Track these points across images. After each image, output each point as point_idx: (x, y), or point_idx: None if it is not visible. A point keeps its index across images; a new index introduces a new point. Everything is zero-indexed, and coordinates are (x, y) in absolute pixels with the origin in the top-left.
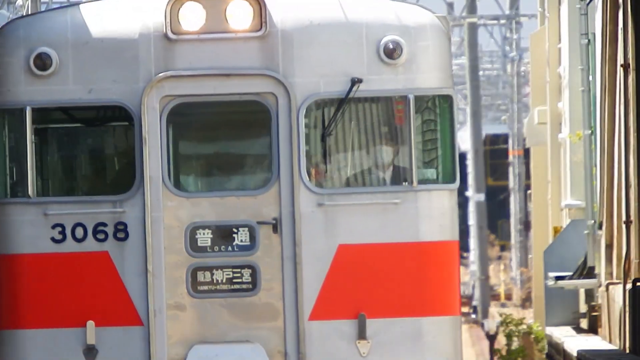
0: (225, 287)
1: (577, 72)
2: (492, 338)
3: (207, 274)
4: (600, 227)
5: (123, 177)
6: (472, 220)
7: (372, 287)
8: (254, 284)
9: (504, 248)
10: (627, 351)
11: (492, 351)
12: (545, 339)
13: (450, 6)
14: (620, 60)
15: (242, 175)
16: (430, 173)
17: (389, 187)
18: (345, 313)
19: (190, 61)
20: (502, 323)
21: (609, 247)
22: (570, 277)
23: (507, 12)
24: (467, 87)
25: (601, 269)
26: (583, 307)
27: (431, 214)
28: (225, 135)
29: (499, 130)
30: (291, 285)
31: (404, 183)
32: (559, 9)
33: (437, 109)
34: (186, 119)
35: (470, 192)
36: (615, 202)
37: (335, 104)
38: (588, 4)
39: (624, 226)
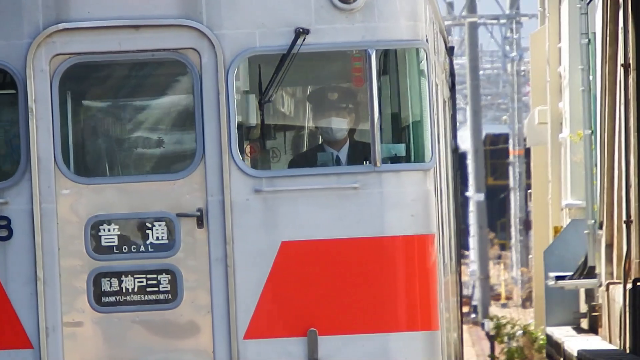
0: (137, 298)
1: (577, 72)
2: (492, 338)
3: (114, 281)
4: (600, 227)
5: (5, 160)
6: (472, 220)
7: (326, 296)
8: (173, 294)
9: (504, 248)
10: (628, 351)
11: (493, 350)
12: (541, 339)
13: (450, 6)
14: (620, 60)
15: (158, 155)
16: (398, 149)
17: (345, 168)
18: (291, 329)
19: (89, 10)
20: (496, 326)
21: (609, 247)
22: (571, 277)
23: (508, 11)
24: (467, 87)
25: (601, 268)
26: (583, 307)
27: (400, 201)
28: (134, 105)
29: (499, 130)
30: (221, 294)
31: (364, 163)
32: (559, 9)
33: (406, 67)
34: (85, 84)
35: (470, 192)
36: (616, 202)
37: (275, 62)
38: (588, 4)
39: (624, 226)
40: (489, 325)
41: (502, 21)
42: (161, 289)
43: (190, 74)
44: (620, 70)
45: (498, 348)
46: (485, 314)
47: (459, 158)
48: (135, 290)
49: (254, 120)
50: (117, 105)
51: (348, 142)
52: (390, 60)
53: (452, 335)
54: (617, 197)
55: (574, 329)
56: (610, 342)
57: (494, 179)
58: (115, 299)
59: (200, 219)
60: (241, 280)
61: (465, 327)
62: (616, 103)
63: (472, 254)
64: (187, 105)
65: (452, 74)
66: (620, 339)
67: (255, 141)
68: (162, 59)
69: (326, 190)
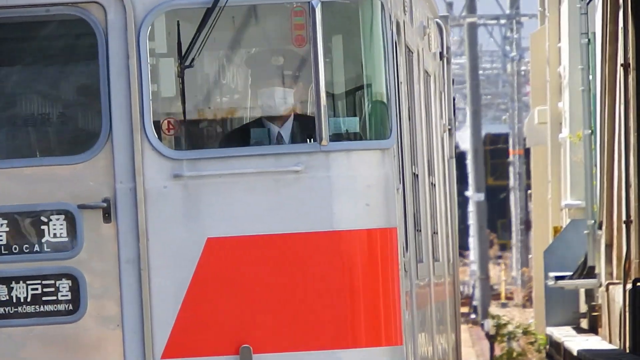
0: (30, 309)
1: (577, 72)
2: (491, 338)
3: (2, 289)
4: (600, 227)
5: None
6: (472, 220)
7: (262, 305)
8: (75, 304)
9: (504, 248)
10: (627, 351)
11: (492, 351)
12: (538, 338)
13: (450, 6)
14: (620, 59)
15: (55, 133)
16: (351, 124)
17: (285, 147)
18: (220, 346)
19: None
20: (495, 326)
21: (609, 247)
22: (570, 277)
23: (508, 11)
24: (467, 87)
25: (601, 269)
26: (583, 307)
27: (352, 187)
28: (26, 72)
29: (499, 130)
30: (134, 304)
31: (308, 140)
32: (559, 9)
33: (360, 23)
34: None
35: (470, 192)
36: (615, 202)
37: (198, 18)
38: (588, 4)
39: (624, 226)
40: (489, 325)
41: (502, 21)
42: (60, 298)
43: (94, 34)
44: (620, 70)
45: (498, 348)
46: (485, 314)
47: (459, 157)
48: (29, 299)
49: (172, 89)
50: (2, 74)
51: (292, 116)
52: (341, 17)
53: (437, 344)
54: (617, 197)
55: (574, 329)
56: (610, 342)
57: (494, 179)
58: (4, 310)
59: (108, 212)
60: (158, 286)
61: (465, 327)
62: (616, 103)
63: (472, 254)
64: (89, 73)
65: (446, 47)
66: (620, 339)
67: (174, 115)
68: (58, 15)
69: (262, 175)
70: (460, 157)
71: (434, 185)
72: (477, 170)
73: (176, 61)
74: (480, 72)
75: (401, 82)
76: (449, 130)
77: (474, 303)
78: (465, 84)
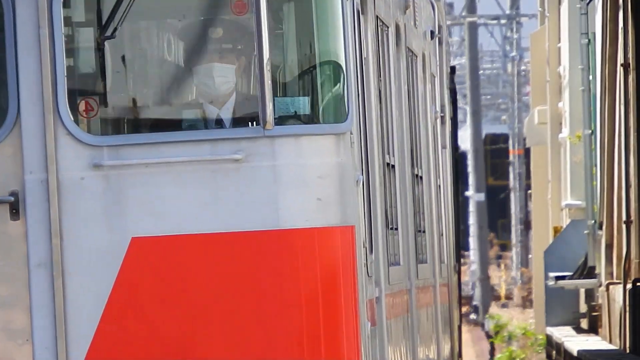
0: None
1: (577, 72)
2: (492, 338)
3: None
4: (600, 227)
5: None
6: (472, 220)
7: (195, 314)
8: None
9: (504, 248)
10: (627, 351)
11: (492, 353)
12: (538, 338)
13: (450, 6)
14: (620, 60)
15: None
16: (300, 105)
17: (222, 132)
18: None
19: None
20: (495, 326)
21: (609, 247)
22: (571, 277)
23: (508, 11)
24: (467, 87)
25: (601, 269)
26: (583, 307)
27: (302, 178)
28: None
29: (499, 130)
30: (46, 315)
31: (250, 124)
32: (559, 9)
33: None
34: None
35: (470, 192)
36: (615, 202)
37: None
38: (588, 4)
39: (624, 226)
40: (489, 325)
41: (502, 21)
42: None
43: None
44: (620, 70)
45: (497, 348)
46: (486, 314)
47: (458, 157)
48: None
49: (91, 64)
50: None
51: (234, 96)
52: None
53: (420, 356)
54: (617, 197)
55: (574, 329)
56: (610, 342)
57: (494, 179)
58: None
59: (15, 207)
60: (74, 293)
61: (465, 327)
62: (616, 103)
63: (472, 254)
64: None
65: (438, 26)
66: (620, 339)
67: (93, 95)
68: None
69: (196, 165)
70: (460, 157)
71: (421, 177)
72: (477, 170)
73: (96, 31)
74: (480, 72)
75: (366, 59)
76: (442, 117)
77: (474, 303)
78: (465, 84)
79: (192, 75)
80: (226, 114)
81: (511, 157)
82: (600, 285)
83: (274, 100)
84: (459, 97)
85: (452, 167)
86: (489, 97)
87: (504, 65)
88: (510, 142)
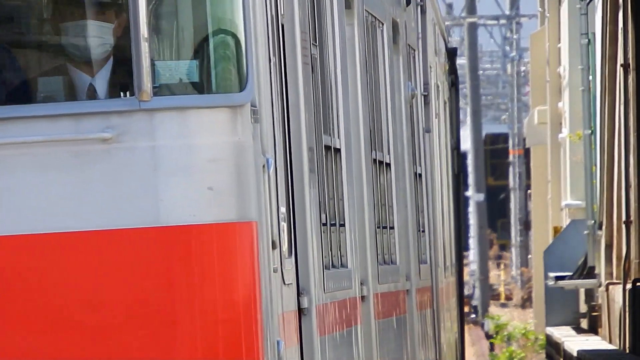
0: None
1: (577, 72)
2: (490, 338)
3: None
4: (600, 227)
5: None
6: (472, 220)
7: (57, 324)
8: None
9: (504, 248)
10: (627, 351)
11: (492, 351)
12: (538, 339)
13: (450, 6)
14: (620, 60)
15: None
16: (186, 70)
17: (87, 105)
18: None
19: None
20: (495, 326)
21: (609, 247)
22: (570, 277)
23: (507, 12)
24: (467, 87)
25: (601, 269)
26: (583, 307)
27: (188, 163)
28: None
29: (499, 130)
30: None
31: (122, 94)
32: (559, 9)
33: None
34: None
35: (470, 192)
36: (615, 202)
37: None
38: (588, 4)
39: (624, 226)
40: (489, 325)
41: (502, 21)
42: None
43: None
44: (619, 71)
45: (497, 348)
46: (485, 314)
47: (458, 151)
48: None
49: None
50: None
51: (111, 62)
52: None
53: None
54: (616, 197)
55: (574, 329)
56: (610, 342)
57: (494, 179)
58: None
59: None
60: None
61: (465, 327)
62: (616, 103)
63: (472, 254)
64: None
65: None
66: (620, 339)
67: None
68: None
69: (56, 145)
70: (460, 157)
71: (388, 165)
72: (477, 170)
73: None
74: (480, 72)
75: (283, 16)
76: (425, 97)
77: (474, 303)
78: (465, 84)
79: (59, 34)
80: (100, 83)
81: (511, 157)
82: (600, 285)
83: (153, 64)
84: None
85: (451, 159)
86: (489, 97)
87: (504, 66)
88: (510, 142)
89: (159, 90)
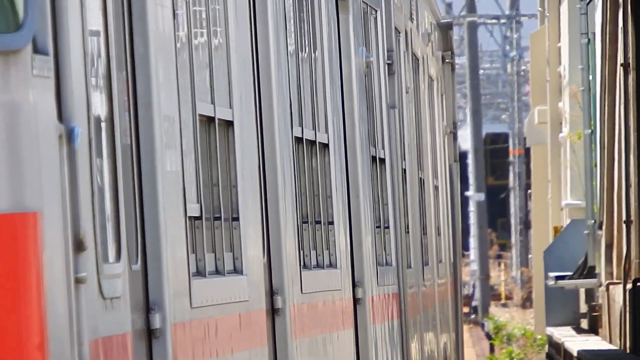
0: None
1: (577, 72)
2: (491, 339)
3: None
4: (600, 227)
5: None
6: (472, 220)
7: None
8: None
9: (504, 248)
10: (627, 351)
11: (492, 351)
12: (537, 339)
13: (449, 6)
14: (620, 59)
15: None
16: None
17: None
18: None
19: None
20: (495, 327)
21: (609, 247)
22: (571, 277)
23: (507, 11)
24: (467, 86)
25: (601, 268)
26: (583, 307)
27: None
28: None
29: (499, 129)
30: None
31: None
32: (559, 9)
33: None
34: None
35: (470, 192)
36: (615, 202)
37: None
38: (588, 4)
39: (624, 226)
40: (489, 325)
41: (502, 21)
42: None
43: None
44: (619, 70)
45: (497, 349)
46: (485, 314)
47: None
48: None
49: None
50: None
51: None
52: None
53: None
54: (617, 197)
55: (574, 329)
56: (610, 342)
57: (494, 179)
58: None
59: None
60: None
61: (465, 327)
62: (616, 103)
63: (472, 254)
64: None
65: None
66: (620, 339)
67: None
68: None
69: None
70: (460, 157)
71: (325, 145)
72: (477, 170)
73: None
74: (480, 72)
75: None
76: (389, 66)
77: (474, 303)
78: (465, 84)
79: None
80: None
81: (511, 157)
82: (600, 285)
83: None
84: (459, 96)
85: (444, 145)
86: (488, 97)
87: (504, 65)
88: (510, 142)
89: None
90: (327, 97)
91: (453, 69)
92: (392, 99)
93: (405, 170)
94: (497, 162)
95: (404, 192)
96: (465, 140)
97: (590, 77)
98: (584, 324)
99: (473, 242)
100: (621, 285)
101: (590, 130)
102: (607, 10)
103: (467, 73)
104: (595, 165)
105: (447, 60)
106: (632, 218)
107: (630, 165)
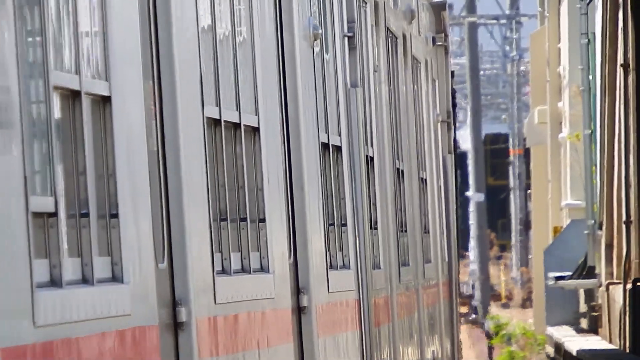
0: None
1: (577, 72)
2: (491, 339)
3: None
4: (600, 227)
5: None
6: (472, 220)
7: None
8: None
9: (504, 248)
10: (627, 351)
11: (491, 354)
12: (537, 339)
13: (450, 6)
14: (620, 60)
15: None
16: None
17: None
18: None
19: None
20: (495, 327)
21: (609, 247)
22: (570, 277)
23: (507, 11)
24: (467, 87)
25: (601, 269)
26: (583, 307)
27: None
28: None
29: (499, 130)
30: None
31: None
32: (559, 9)
33: None
34: None
35: (470, 192)
36: (615, 202)
37: None
38: (588, 4)
39: (624, 226)
40: (489, 325)
41: (502, 21)
42: None
43: None
44: (620, 71)
45: (497, 349)
46: (485, 314)
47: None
48: None
49: None
50: None
51: None
52: None
53: None
54: (617, 197)
55: (574, 329)
56: (610, 342)
57: (494, 179)
58: None
59: None
60: None
61: (465, 327)
62: (616, 103)
63: (472, 254)
64: None
65: None
66: (620, 339)
67: None
68: None
69: None
70: (460, 157)
71: (256, 130)
72: (477, 170)
73: None
74: (481, 72)
75: None
76: (350, 39)
77: (474, 303)
78: (465, 84)
79: None
80: None
81: (511, 157)
82: (600, 285)
83: None
84: (459, 96)
85: (434, 134)
86: (489, 97)
87: (504, 66)
88: (510, 142)
89: None
90: (257, 77)
91: (447, 52)
92: (353, 77)
93: (372, 158)
94: (497, 162)
95: (370, 183)
96: (465, 140)
97: (590, 77)
98: (584, 323)
99: (473, 242)
100: (621, 285)
101: (590, 130)
102: (607, 11)
103: (467, 73)
104: (595, 165)
105: (439, 43)
106: (632, 218)
107: (630, 165)
